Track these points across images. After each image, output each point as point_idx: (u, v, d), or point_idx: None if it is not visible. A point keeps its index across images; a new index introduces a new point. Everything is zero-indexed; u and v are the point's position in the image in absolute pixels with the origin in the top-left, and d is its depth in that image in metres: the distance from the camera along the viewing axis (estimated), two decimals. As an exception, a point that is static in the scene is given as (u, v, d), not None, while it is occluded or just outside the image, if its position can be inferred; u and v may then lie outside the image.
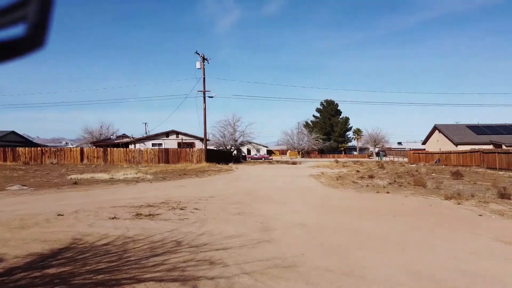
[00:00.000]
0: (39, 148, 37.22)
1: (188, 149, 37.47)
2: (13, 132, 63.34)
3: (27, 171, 27.08)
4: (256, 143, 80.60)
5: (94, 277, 4.74)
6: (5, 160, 35.94)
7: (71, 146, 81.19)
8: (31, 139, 75.82)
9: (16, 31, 0.67)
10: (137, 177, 20.96)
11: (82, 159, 36.15)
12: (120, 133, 76.97)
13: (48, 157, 36.10)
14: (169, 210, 10.17)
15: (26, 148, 37.26)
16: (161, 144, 44.29)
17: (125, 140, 50.92)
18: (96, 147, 44.34)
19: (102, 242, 6.64)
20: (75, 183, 17.65)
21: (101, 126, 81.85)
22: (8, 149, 36.88)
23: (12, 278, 4.66)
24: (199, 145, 43.89)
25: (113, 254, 5.86)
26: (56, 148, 38.66)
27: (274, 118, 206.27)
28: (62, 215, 9.37)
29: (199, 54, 39.81)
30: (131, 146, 46.04)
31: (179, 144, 44.33)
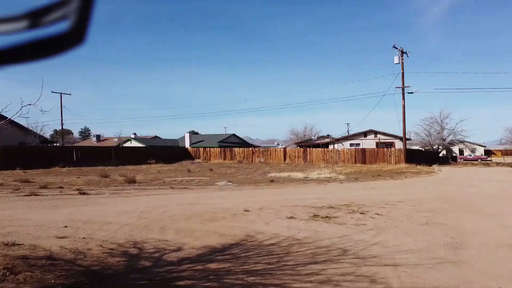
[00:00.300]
0: (250, 149, 42.05)
1: (385, 149, 35.62)
2: (234, 135, 73.54)
3: (238, 168, 30.81)
4: (469, 142, 70.46)
5: (246, 278, 4.70)
6: (224, 158, 41.96)
7: (280, 146, 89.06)
8: (250, 141, 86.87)
9: (58, 27, 0.71)
10: (330, 177, 21.00)
11: (284, 159, 38.92)
12: (323, 134, 79.76)
13: (257, 156, 40.34)
14: (348, 213, 9.61)
15: (241, 148, 42.65)
16: (358, 144, 43.60)
17: (325, 140, 52.33)
18: (299, 147, 47.03)
19: (269, 242, 6.68)
20: (272, 181, 18.91)
21: (305, 128, 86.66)
22: (227, 149, 42.95)
23: (178, 269, 5.07)
24: (399, 145, 41.20)
25: (274, 256, 5.78)
26: (263, 148, 42.87)
27: (494, 112, 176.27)
28: (248, 211, 10.00)
29: (397, 48, 37.36)
30: (330, 146, 46.95)
31: (377, 144, 42.69)
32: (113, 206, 10.92)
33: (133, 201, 12.11)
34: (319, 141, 55.68)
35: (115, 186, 16.75)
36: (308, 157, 37.68)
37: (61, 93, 53.62)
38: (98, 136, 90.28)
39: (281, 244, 6.50)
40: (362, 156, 35.21)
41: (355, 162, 34.99)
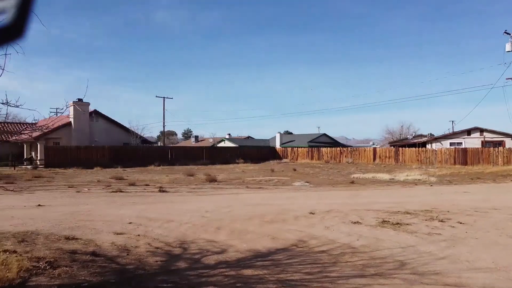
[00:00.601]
0: (338, 149, 40.73)
1: (491, 148, 31.61)
2: (325, 135, 72.13)
3: (322, 169, 30.00)
4: None
5: (274, 289, 4.33)
6: (312, 158, 41.29)
7: (375, 146, 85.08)
8: (345, 141, 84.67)
9: None
10: (419, 179, 19.25)
11: (374, 159, 36.91)
12: (421, 132, 74.26)
13: (345, 156, 38.93)
14: (425, 220, 8.56)
15: (328, 148, 41.57)
16: (460, 143, 39.45)
17: (422, 139, 48.49)
18: (394, 147, 44.31)
19: (321, 249, 6.16)
20: (352, 182, 17.95)
21: (401, 126, 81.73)
22: (314, 149, 42.21)
23: (210, 273, 4.88)
24: (510, 144, 36.35)
25: (318, 265, 5.28)
26: (352, 148, 41.18)
27: None
28: (313, 214, 9.49)
29: (509, 34, 32.92)
30: (428, 146, 43.36)
31: (482, 143, 38.20)
32: (183, 204, 11.25)
33: (204, 200, 12.36)
34: (415, 140, 51.76)
35: (195, 184, 17.37)
36: (400, 158, 35.16)
37: (164, 97, 57.90)
38: (196, 137, 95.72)
39: (332, 252, 5.95)
40: (463, 156, 31.73)
41: (454, 163, 31.67)
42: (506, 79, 31.40)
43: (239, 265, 5.23)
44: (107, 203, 11.40)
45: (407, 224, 8.07)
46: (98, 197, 12.83)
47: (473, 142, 39.32)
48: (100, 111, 37.09)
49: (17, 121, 45.49)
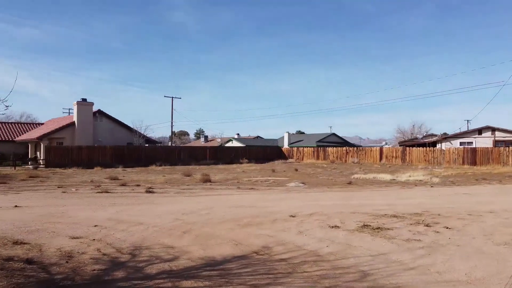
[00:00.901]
0: (344, 148, 39.94)
1: (501, 148, 30.48)
2: (334, 134, 71.24)
3: (326, 169, 29.35)
4: None
5: (205, 305, 3.85)
6: (317, 158, 40.60)
7: (388, 145, 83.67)
8: (359, 141, 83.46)
9: None
10: (421, 180, 18.51)
11: (380, 159, 36.04)
12: (433, 132, 72.71)
13: (351, 156, 38.15)
14: (410, 224, 7.97)
15: (334, 148, 40.81)
16: (471, 142, 38.27)
17: (431, 139, 47.32)
18: (404, 147, 43.30)
19: (282, 257, 5.65)
20: (350, 183, 17.34)
21: (413, 126, 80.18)
22: (320, 149, 41.50)
23: (144, 284, 4.41)
24: (522, 143, 35.10)
25: (270, 276, 4.77)
26: (358, 148, 40.33)
27: None
28: (294, 217, 8.99)
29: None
30: (438, 146, 42.27)
31: (494, 143, 36.99)
32: (164, 206, 10.83)
33: (188, 202, 11.92)
34: (426, 140, 50.60)
35: (187, 185, 16.97)
36: (407, 158, 34.22)
37: (172, 97, 57.95)
38: (206, 137, 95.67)
39: (293, 261, 5.43)
40: (472, 156, 30.68)
41: (463, 163, 30.64)
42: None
43: (182, 275, 4.76)
44: (86, 205, 11.06)
45: (388, 229, 7.50)
46: (81, 198, 12.50)
47: (484, 141, 38.15)
48: (106, 111, 37.12)
49: (23, 122, 45.92)
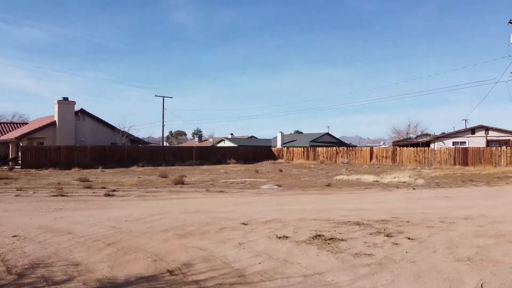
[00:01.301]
0: (334, 148, 39.04)
1: (493, 148, 29.60)
2: (328, 134, 70.56)
3: (312, 169, 28.46)
4: None
5: None
6: (307, 158, 39.70)
7: (385, 145, 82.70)
8: (359, 140, 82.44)
9: None
10: (404, 182, 17.64)
11: (371, 159, 35.17)
12: (429, 132, 71.87)
13: (341, 156, 37.26)
14: (370, 234, 7.09)
15: (324, 148, 39.91)
16: (464, 142, 37.41)
17: (424, 139, 46.47)
18: (398, 146, 42.43)
19: (199, 277, 4.75)
20: (328, 185, 16.46)
21: (409, 125, 79.41)
22: (310, 149, 40.61)
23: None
24: (516, 143, 34.24)
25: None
26: (348, 148, 39.42)
27: None
28: (246, 224, 8.11)
29: (513, 25, 30.86)
30: (432, 145, 41.42)
31: (488, 143, 36.13)
32: (112, 211, 9.93)
33: (142, 206, 11.03)
34: (419, 140, 49.73)
35: (155, 187, 16.08)
36: (398, 158, 33.34)
37: (163, 97, 57.13)
38: (200, 137, 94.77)
39: (207, 283, 4.53)
40: (463, 156, 29.80)
41: (454, 163, 29.77)
42: (511, 73, 29.40)
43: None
44: (30, 210, 10.16)
45: (342, 240, 6.61)
46: (30, 203, 11.60)
47: (478, 141, 37.31)
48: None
49: (9, 122, 44.94)
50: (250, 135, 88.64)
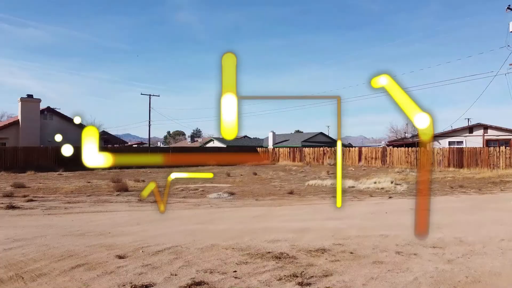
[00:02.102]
0: (321, 149, 36.58)
1: (491, 148, 27.10)
2: (321, 133, 67.91)
3: (290, 172, 26.09)
4: None
5: None
6: (293, 160, 37.29)
7: (384, 145, 79.97)
8: (364, 140, 79.96)
9: None
10: (382, 188, 15.20)
11: (359, 160, 32.72)
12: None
13: (328, 157, 34.80)
14: (278, 280, 4.70)
15: (311, 149, 37.47)
16: (461, 141, 34.89)
17: (418, 139, 43.92)
18: (384, 147, 39.99)
19: None
20: (291, 192, 14.06)
21: (407, 124, 76.72)
22: (296, 150, 38.18)
23: None
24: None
25: None
26: (334, 148, 36.94)
27: None
28: (123, 257, 5.75)
29: (513, 12, 28.35)
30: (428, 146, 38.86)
31: (486, 142, 33.60)
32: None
33: (28, 225, 8.61)
34: (415, 140, 47.19)
35: (87, 195, 13.73)
36: (388, 159, 30.88)
37: (150, 95, 55.02)
38: (192, 137, 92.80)
39: None
40: (459, 157, 27.29)
41: (449, 165, 27.30)
42: (510, 64, 26.92)
43: None
44: None
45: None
46: None
47: (476, 140, 34.77)
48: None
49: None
50: (243, 134, 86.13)
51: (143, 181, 19.06)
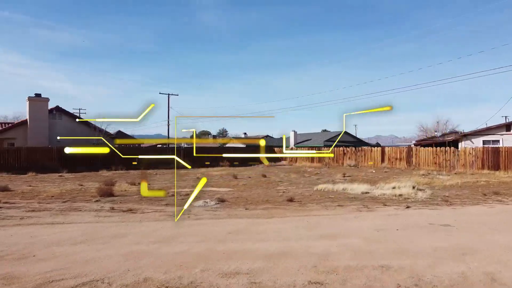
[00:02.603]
0: (341, 149, 34.24)
1: (532, 148, 24.06)
2: (346, 133, 65.15)
3: (303, 175, 24.07)
4: None
5: None
6: (312, 161, 35.14)
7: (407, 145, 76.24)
8: (395, 140, 76.54)
9: None
10: (401, 195, 13.03)
11: (382, 161, 30.22)
12: (461, 129, 65.23)
13: (348, 158, 32.48)
14: None
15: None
16: (497, 141, 31.73)
17: (451, 137, 40.80)
18: (410, 146, 37.17)
19: None
20: (290, 200, 12.15)
21: (437, 122, 72.72)
22: (315, 149, 35.98)
23: None
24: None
25: None
26: (356, 148, 34.44)
27: None
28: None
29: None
30: (460, 145, 35.88)
31: (526, 141, 30.33)
32: None
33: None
34: (447, 138, 43.96)
35: (63, 201, 12.30)
36: (414, 160, 28.26)
37: (168, 94, 54.33)
38: (214, 136, 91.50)
39: None
40: (494, 158, 24.43)
41: (482, 167, 24.50)
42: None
43: None
44: None
45: None
46: None
47: (514, 140, 31.52)
48: (65, 108, 32.97)
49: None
50: (265, 134, 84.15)
51: (135, 184, 17.54)
